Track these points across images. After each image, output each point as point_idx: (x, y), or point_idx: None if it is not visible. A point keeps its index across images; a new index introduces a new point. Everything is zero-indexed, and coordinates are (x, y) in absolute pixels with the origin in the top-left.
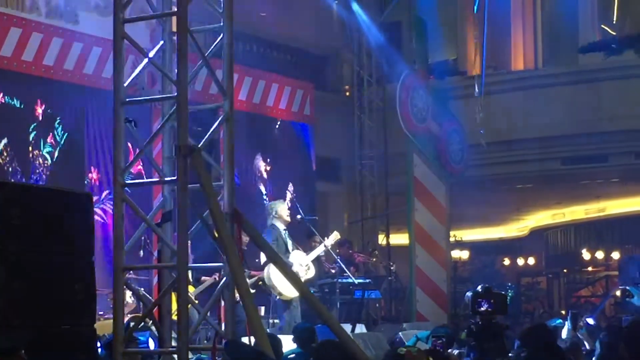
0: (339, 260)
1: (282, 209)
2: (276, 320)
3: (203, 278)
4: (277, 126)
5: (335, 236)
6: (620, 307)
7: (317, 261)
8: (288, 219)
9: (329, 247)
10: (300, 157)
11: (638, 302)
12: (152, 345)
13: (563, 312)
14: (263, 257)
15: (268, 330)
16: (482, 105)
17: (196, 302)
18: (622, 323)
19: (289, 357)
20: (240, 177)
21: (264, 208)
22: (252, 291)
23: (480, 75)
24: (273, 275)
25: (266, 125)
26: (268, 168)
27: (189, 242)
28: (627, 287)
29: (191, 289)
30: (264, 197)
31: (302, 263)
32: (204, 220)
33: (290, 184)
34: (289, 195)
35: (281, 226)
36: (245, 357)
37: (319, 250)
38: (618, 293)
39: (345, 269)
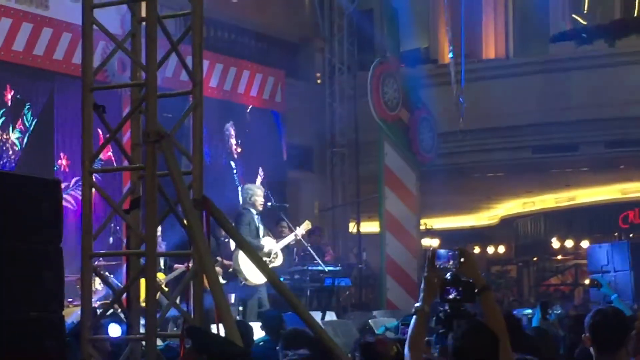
0: (309, 248)
1: (258, 194)
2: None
3: (175, 266)
4: (247, 110)
5: (306, 225)
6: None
7: (286, 249)
8: (260, 206)
9: (300, 237)
10: (271, 144)
11: (606, 291)
12: (116, 331)
13: (532, 300)
14: (233, 245)
15: (237, 317)
16: (455, 94)
17: (166, 289)
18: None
19: (258, 344)
20: (210, 154)
21: (233, 184)
22: (223, 282)
23: (455, 63)
24: (241, 260)
25: (239, 108)
26: (239, 150)
27: (160, 229)
28: (594, 277)
29: (161, 276)
30: (234, 174)
31: (272, 250)
32: (172, 207)
33: (261, 169)
34: (259, 180)
35: (254, 211)
36: (209, 343)
37: (289, 239)
38: (587, 282)
39: (315, 256)
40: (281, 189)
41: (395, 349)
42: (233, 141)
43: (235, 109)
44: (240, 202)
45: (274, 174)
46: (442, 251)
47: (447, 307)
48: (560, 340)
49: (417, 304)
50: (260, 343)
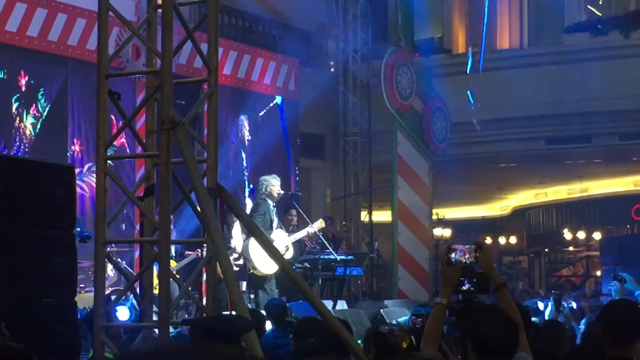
0: (321, 236)
1: (274, 184)
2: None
3: (186, 252)
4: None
5: (320, 224)
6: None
7: (297, 241)
8: (278, 195)
9: (312, 233)
10: (278, 133)
11: (630, 287)
12: (124, 314)
13: (540, 291)
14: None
15: (249, 305)
16: (472, 84)
17: (177, 276)
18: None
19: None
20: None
21: (241, 174)
22: (235, 268)
23: (473, 52)
24: (251, 249)
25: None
26: (249, 137)
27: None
28: (620, 274)
29: (172, 263)
30: (244, 164)
31: (282, 243)
32: (186, 194)
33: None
34: None
35: (270, 202)
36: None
37: (302, 234)
38: (598, 273)
39: (327, 245)
40: (285, 177)
41: (408, 340)
42: (246, 132)
43: (248, 98)
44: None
45: (281, 162)
46: (457, 245)
47: (460, 298)
48: (574, 332)
49: (437, 298)
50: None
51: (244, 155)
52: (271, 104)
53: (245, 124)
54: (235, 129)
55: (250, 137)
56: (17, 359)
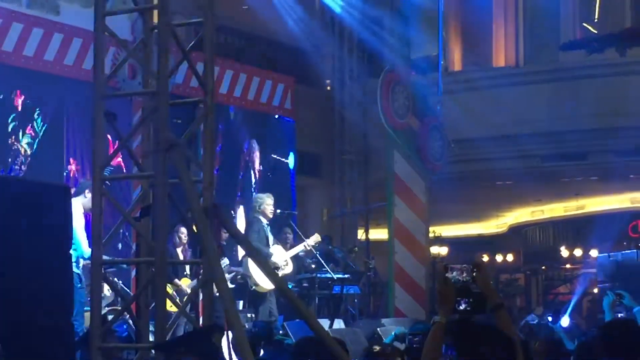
0: (317, 255)
1: (268, 203)
2: (254, 315)
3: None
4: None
5: (316, 238)
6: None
7: (295, 257)
8: (271, 214)
9: (309, 248)
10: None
11: (629, 303)
12: None
13: (538, 309)
14: (241, 252)
15: (245, 325)
16: (461, 102)
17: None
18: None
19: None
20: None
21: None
22: (231, 286)
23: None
24: (251, 265)
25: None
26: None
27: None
28: (618, 291)
29: (185, 282)
30: (253, 187)
31: (282, 258)
32: (183, 215)
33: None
34: None
35: (264, 220)
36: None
37: (299, 248)
38: (595, 291)
39: (324, 264)
40: (285, 195)
41: (400, 359)
42: (257, 156)
43: (258, 120)
44: (251, 214)
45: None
46: (455, 265)
47: (457, 318)
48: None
49: (435, 317)
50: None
51: (253, 179)
52: (283, 160)
53: (257, 151)
54: (247, 150)
55: (261, 168)
56: None
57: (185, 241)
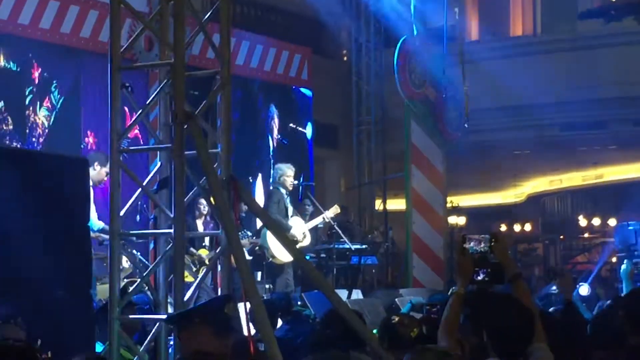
0: (335, 226)
1: (288, 174)
2: (271, 286)
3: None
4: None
5: (335, 209)
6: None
7: (313, 228)
8: (290, 186)
9: (327, 220)
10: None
11: None
12: None
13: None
14: (260, 223)
15: (264, 296)
16: (479, 71)
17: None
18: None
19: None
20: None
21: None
22: (249, 257)
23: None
24: (269, 237)
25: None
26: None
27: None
28: (636, 260)
29: (204, 252)
30: (271, 155)
31: (300, 230)
32: (200, 187)
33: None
34: None
35: (284, 191)
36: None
37: (318, 221)
38: (614, 259)
39: (341, 234)
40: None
41: (417, 330)
42: (276, 123)
43: (277, 90)
44: (271, 184)
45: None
46: (473, 235)
47: (474, 289)
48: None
49: (454, 287)
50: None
51: (271, 146)
52: (300, 129)
53: (276, 117)
54: (264, 117)
55: (279, 136)
56: (18, 357)
57: (205, 212)
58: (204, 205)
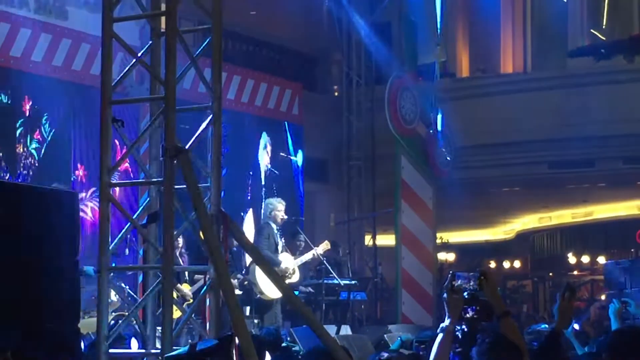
0: (324, 261)
1: (279, 209)
2: (260, 321)
3: (196, 276)
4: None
5: (325, 245)
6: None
7: (303, 264)
8: (281, 220)
9: (318, 255)
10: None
11: (633, 310)
12: (134, 344)
13: (545, 316)
14: (249, 258)
15: (252, 331)
16: (469, 108)
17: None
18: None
19: None
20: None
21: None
22: (239, 292)
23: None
24: (257, 273)
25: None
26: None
27: (182, 241)
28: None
29: (186, 287)
30: (263, 190)
31: (290, 266)
32: (190, 221)
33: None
34: None
35: (274, 225)
36: None
37: (308, 257)
38: (603, 297)
39: (330, 270)
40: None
41: None
42: (268, 152)
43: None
44: (262, 218)
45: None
46: (461, 273)
47: (463, 326)
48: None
49: (443, 324)
50: None
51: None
52: (290, 158)
53: (268, 145)
54: (256, 149)
55: (270, 165)
56: None
57: (180, 245)
58: (179, 239)
